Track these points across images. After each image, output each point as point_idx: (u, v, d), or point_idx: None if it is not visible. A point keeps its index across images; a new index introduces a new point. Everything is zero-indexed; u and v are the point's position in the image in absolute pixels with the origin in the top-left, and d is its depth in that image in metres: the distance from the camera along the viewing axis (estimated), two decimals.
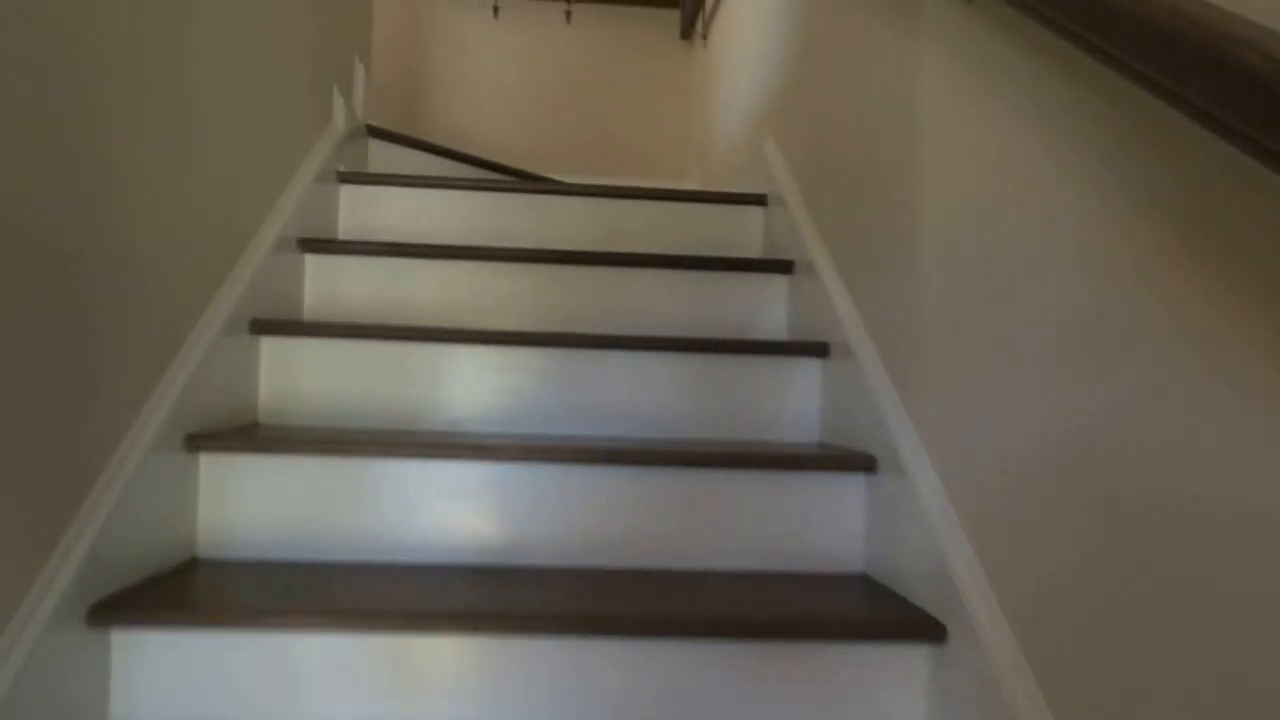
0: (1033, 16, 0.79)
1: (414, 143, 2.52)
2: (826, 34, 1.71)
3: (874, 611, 1.06)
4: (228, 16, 1.35)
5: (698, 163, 3.37)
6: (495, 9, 3.57)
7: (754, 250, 2.10)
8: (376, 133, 2.40)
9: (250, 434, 1.27)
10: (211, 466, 1.23)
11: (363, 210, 2.02)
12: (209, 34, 1.28)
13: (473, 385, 1.52)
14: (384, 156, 2.41)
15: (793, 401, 1.56)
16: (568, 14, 3.59)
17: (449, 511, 1.24)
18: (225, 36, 1.34)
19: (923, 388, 1.13)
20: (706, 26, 3.23)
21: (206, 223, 1.30)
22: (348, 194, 2.02)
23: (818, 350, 1.54)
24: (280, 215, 1.64)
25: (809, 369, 1.56)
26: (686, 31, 3.36)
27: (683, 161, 3.59)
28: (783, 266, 1.83)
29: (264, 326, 1.47)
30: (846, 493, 1.28)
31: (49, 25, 0.88)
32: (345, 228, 2.01)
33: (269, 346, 1.50)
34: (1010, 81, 0.92)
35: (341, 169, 2.03)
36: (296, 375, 1.50)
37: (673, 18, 3.61)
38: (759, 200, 2.11)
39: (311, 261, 1.76)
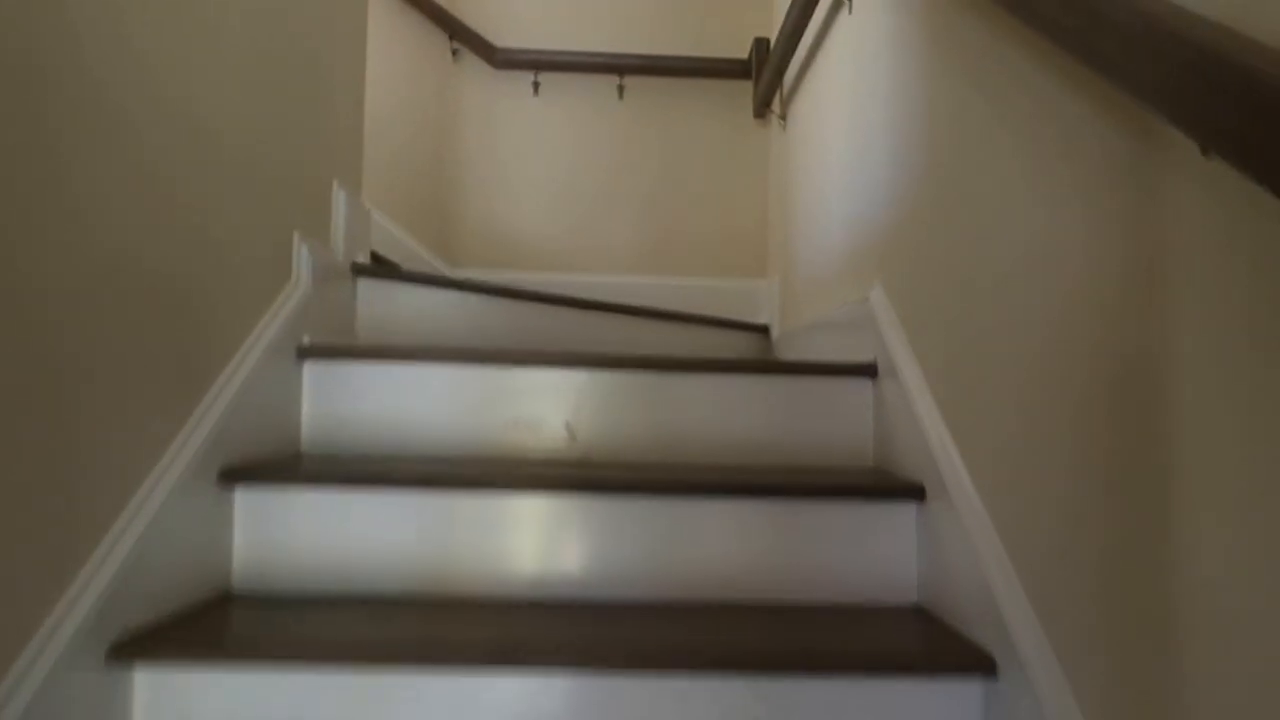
0: None
1: (417, 278, 2.02)
2: (967, 167, 1.14)
3: None
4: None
5: (778, 262, 2.80)
6: (535, 85, 3.08)
7: (860, 444, 1.52)
8: (367, 270, 1.90)
9: None
10: None
11: (336, 396, 1.50)
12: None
13: None
14: (379, 300, 1.91)
15: None
16: (620, 89, 3.08)
17: None
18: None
19: None
20: (785, 105, 2.67)
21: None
22: (314, 375, 1.51)
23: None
24: (192, 442, 1.14)
25: None
26: (761, 110, 2.81)
27: (759, 259, 3.03)
28: (909, 492, 1.26)
29: (135, 647, 0.97)
30: None
31: None
32: (312, 429, 1.49)
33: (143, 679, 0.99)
34: None
35: (306, 340, 1.52)
36: None
37: (743, 91, 3.06)
38: (867, 371, 1.53)
39: (245, 502, 1.25)
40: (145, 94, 1.05)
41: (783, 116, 2.71)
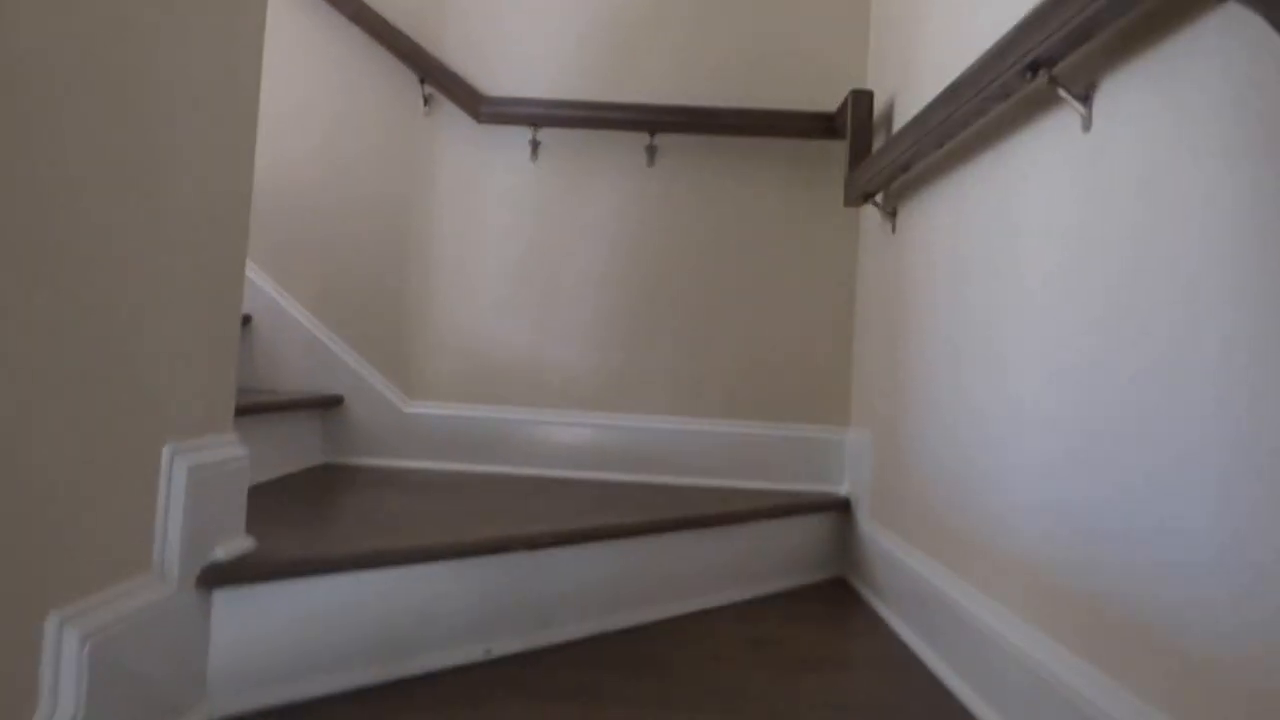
0: None
1: (323, 564, 1.21)
2: None
3: None
4: None
5: (870, 409, 1.99)
6: (534, 144, 2.24)
7: None
8: (227, 574, 1.10)
9: None
10: None
11: None
12: None
13: None
14: (255, 614, 1.12)
15: None
16: (650, 151, 2.24)
17: None
18: None
19: None
20: (897, 200, 1.84)
21: None
22: None
23: None
24: None
25: None
26: (858, 198, 1.97)
27: (837, 400, 2.20)
28: None
29: None
30: None
31: None
32: None
33: None
34: None
35: None
36: None
37: (824, 158, 2.22)
38: None
39: None
40: None
41: (892, 212, 1.87)
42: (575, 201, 2.24)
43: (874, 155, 1.75)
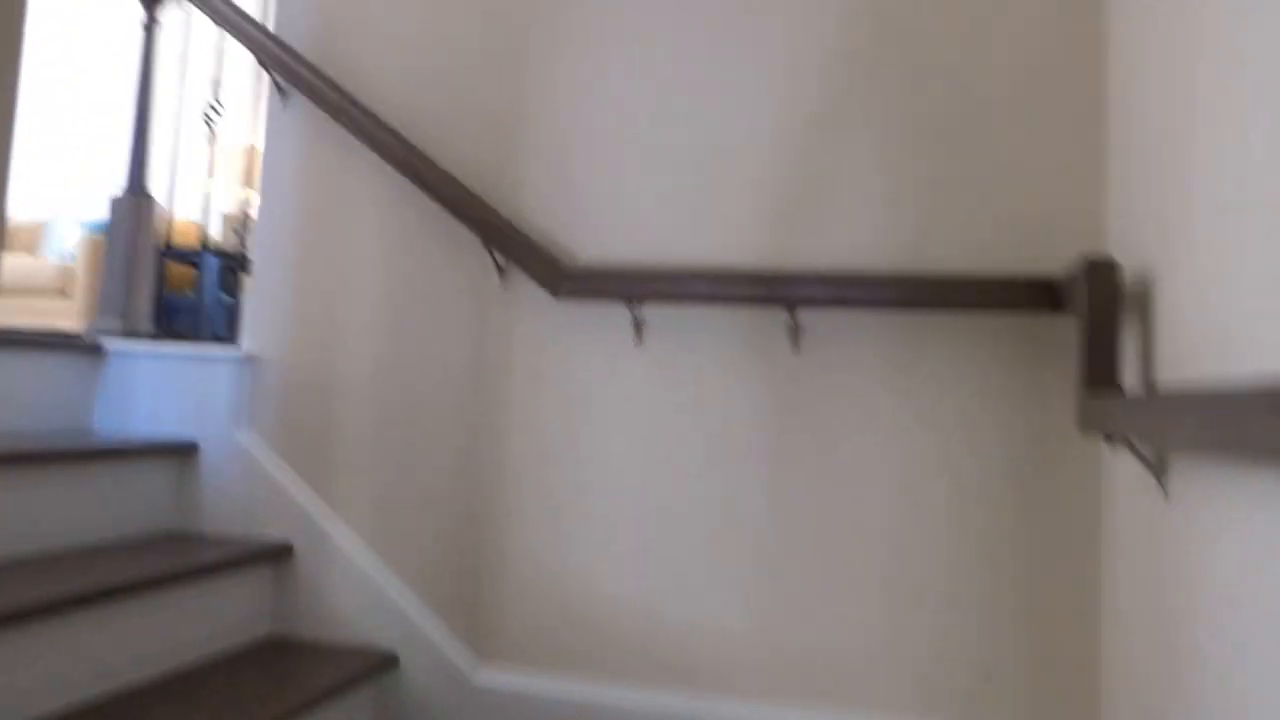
0: None
1: None
2: None
3: None
4: None
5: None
6: (637, 326, 1.72)
7: None
8: None
9: None
10: None
11: None
12: None
13: None
14: None
15: None
16: (793, 332, 1.66)
17: None
18: None
19: None
20: (1168, 448, 1.16)
21: None
22: None
23: None
24: None
25: None
26: (1095, 426, 1.29)
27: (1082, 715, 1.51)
28: None
29: None
30: None
31: None
32: None
33: None
34: None
35: None
36: None
37: (1040, 349, 1.55)
38: None
39: None
40: None
41: (1161, 466, 1.19)
42: (690, 398, 1.68)
43: (1139, 400, 1.07)
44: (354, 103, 1.82)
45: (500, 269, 1.78)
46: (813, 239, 1.64)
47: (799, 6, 1.68)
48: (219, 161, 4.21)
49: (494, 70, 1.83)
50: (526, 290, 1.77)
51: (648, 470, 1.68)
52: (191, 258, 3.52)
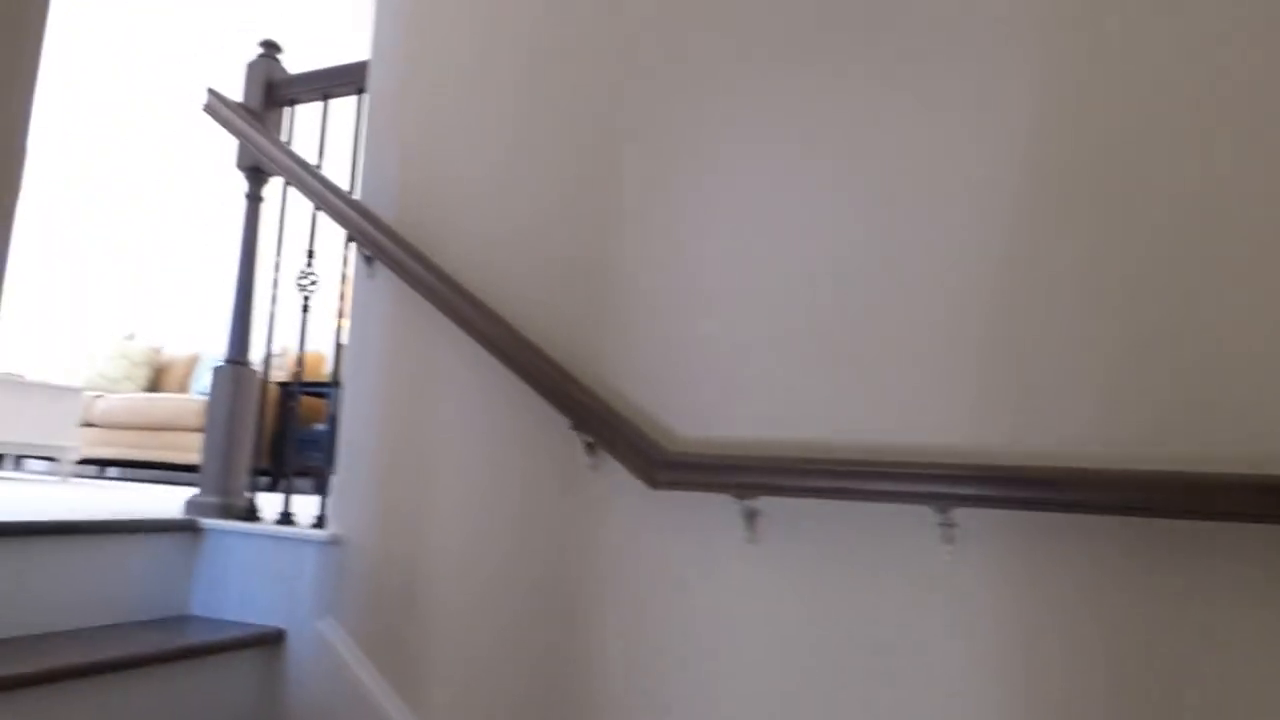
0: None
1: None
2: None
3: None
4: None
5: None
6: (750, 517, 1.42)
7: None
8: None
9: None
10: None
11: None
12: None
13: None
14: None
15: None
16: (947, 531, 1.31)
17: None
18: None
19: None
20: None
21: None
22: None
23: None
24: None
25: None
26: None
27: None
28: None
29: None
30: None
31: None
32: None
33: None
34: None
35: None
36: None
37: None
38: None
39: None
40: None
41: None
42: (816, 608, 1.35)
43: None
44: (432, 268, 1.66)
45: (590, 447, 1.53)
46: (958, 419, 1.30)
47: (979, 114, 1.37)
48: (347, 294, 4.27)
49: (583, 224, 1.62)
50: (620, 473, 1.51)
51: (759, 689, 1.36)
52: (322, 390, 3.52)
